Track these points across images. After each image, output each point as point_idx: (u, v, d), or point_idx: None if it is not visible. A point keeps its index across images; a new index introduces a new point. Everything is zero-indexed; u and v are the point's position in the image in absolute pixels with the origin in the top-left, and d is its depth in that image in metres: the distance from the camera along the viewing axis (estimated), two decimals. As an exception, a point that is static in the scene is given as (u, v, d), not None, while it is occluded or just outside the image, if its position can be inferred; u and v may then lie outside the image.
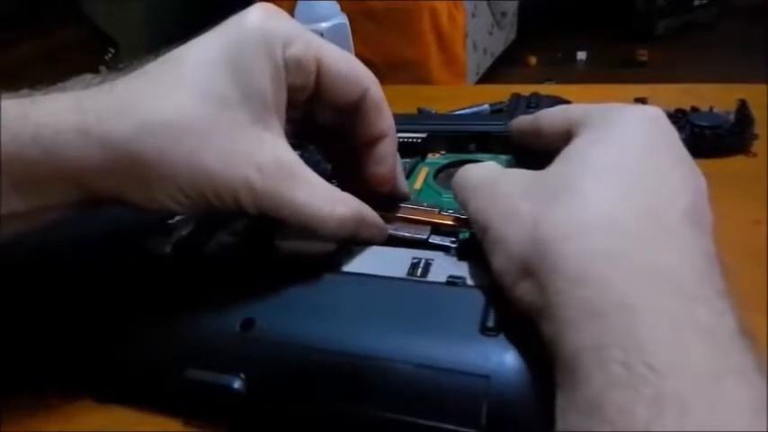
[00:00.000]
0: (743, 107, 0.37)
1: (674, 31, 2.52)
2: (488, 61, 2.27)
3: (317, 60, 0.23)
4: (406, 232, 0.25)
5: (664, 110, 0.21)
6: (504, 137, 0.32)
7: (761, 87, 0.43)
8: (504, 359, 0.18)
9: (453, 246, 0.24)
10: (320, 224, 0.22)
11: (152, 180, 0.20)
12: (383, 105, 0.26)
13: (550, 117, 0.25)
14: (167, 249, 0.27)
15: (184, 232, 0.27)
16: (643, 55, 2.33)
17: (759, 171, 0.35)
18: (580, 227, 0.17)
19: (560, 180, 0.19)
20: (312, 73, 0.23)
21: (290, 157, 0.22)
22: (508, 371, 0.18)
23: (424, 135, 0.35)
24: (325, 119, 0.26)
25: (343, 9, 0.53)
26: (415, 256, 0.24)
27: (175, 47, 0.22)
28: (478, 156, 0.34)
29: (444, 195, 0.30)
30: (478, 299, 0.20)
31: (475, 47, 2.06)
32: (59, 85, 0.21)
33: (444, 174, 0.33)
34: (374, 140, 0.26)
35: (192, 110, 0.20)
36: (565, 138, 0.22)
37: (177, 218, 0.29)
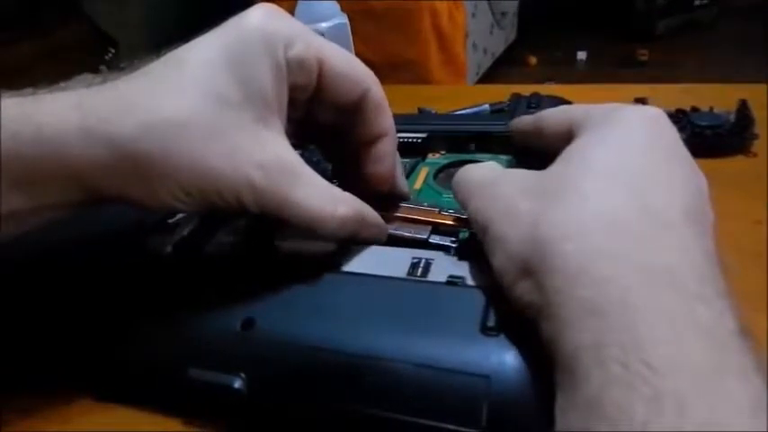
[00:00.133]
0: (743, 107, 0.37)
1: (675, 30, 2.53)
2: (489, 61, 2.27)
3: (319, 60, 0.23)
4: (406, 232, 0.25)
5: (664, 110, 0.21)
6: (504, 137, 0.32)
7: (761, 87, 0.43)
8: (505, 359, 0.18)
9: (453, 245, 0.24)
10: (321, 224, 0.22)
11: (154, 178, 0.20)
12: (383, 105, 0.26)
13: (551, 117, 0.25)
14: (168, 249, 0.27)
15: (185, 232, 0.27)
16: (643, 55, 2.33)
17: (759, 171, 0.35)
18: (580, 226, 0.17)
19: (560, 180, 0.19)
20: (313, 73, 0.23)
21: (292, 156, 0.22)
22: (508, 371, 0.18)
23: (424, 135, 0.35)
24: (326, 118, 0.26)
25: (343, 9, 0.53)
26: (415, 255, 0.24)
27: (177, 47, 0.22)
28: (479, 156, 0.34)
29: (444, 195, 0.30)
30: (479, 299, 0.20)
31: (475, 47, 2.06)
32: (61, 84, 0.21)
33: (444, 174, 0.33)
34: (374, 140, 0.26)
35: (195, 109, 0.20)
36: (565, 138, 0.22)
37: (178, 217, 0.29)
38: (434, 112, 0.46)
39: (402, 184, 0.28)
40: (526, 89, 0.41)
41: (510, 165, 0.32)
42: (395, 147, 0.27)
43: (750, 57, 2.02)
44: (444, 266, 0.23)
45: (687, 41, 2.44)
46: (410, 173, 0.33)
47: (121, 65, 0.22)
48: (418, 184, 0.32)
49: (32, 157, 0.19)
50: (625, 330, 0.14)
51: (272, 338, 0.21)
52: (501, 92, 0.44)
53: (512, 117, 0.31)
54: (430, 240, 0.25)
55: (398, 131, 0.27)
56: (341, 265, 0.24)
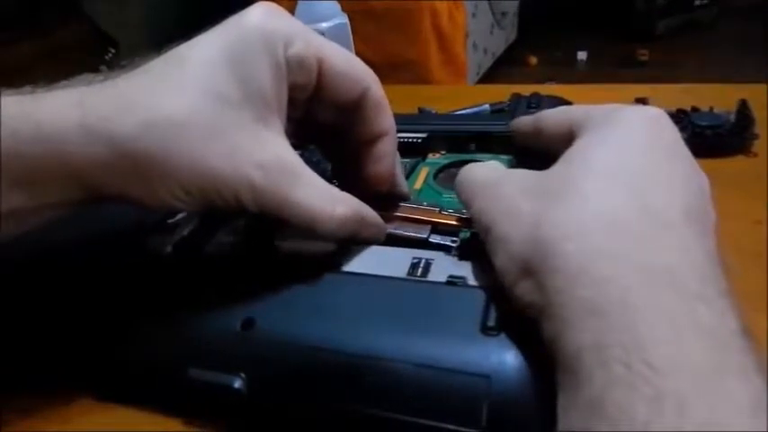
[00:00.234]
0: (743, 107, 0.37)
1: (675, 30, 2.53)
2: (489, 61, 2.27)
3: (318, 59, 0.23)
4: (406, 231, 0.25)
5: (664, 110, 0.21)
6: (504, 137, 0.32)
7: (761, 87, 0.43)
8: (505, 359, 0.18)
9: (453, 245, 0.24)
10: (320, 224, 0.22)
11: (154, 177, 0.20)
12: (384, 104, 0.26)
13: (551, 118, 0.25)
14: (168, 249, 0.27)
15: (185, 232, 0.27)
16: (644, 55, 2.33)
17: (759, 171, 0.35)
18: (581, 226, 0.17)
19: (562, 180, 0.19)
20: (313, 72, 0.23)
21: (291, 156, 0.22)
22: (509, 370, 0.18)
23: (424, 135, 0.35)
24: (326, 117, 0.26)
25: (343, 9, 0.53)
26: (416, 255, 0.24)
27: (177, 45, 0.22)
28: (479, 156, 0.34)
29: (444, 195, 0.30)
30: (479, 298, 0.20)
31: (475, 47, 2.06)
32: (62, 82, 0.21)
33: (445, 174, 0.33)
34: (374, 139, 0.26)
35: (195, 108, 0.20)
36: (566, 139, 0.22)
37: (178, 217, 0.29)
38: (435, 112, 0.46)
39: (402, 183, 0.28)
40: (526, 89, 0.41)
41: (510, 165, 0.32)
42: (395, 146, 0.27)
43: (750, 57, 2.02)
44: (444, 266, 0.23)
45: (687, 41, 2.44)
46: (410, 173, 0.33)
47: (122, 63, 0.22)
48: (418, 184, 0.32)
49: (32, 155, 0.19)
50: (626, 330, 0.14)
51: (272, 338, 0.21)
52: (501, 92, 0.44)
53: (512, 117, 0.31)
54: (430, 240, 0.25)
55: (398, 131, 0.27)
56: (341, 265, 0.24)
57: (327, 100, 0.25)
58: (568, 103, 0.36)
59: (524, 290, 0.18)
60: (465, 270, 0.22)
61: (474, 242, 0.24)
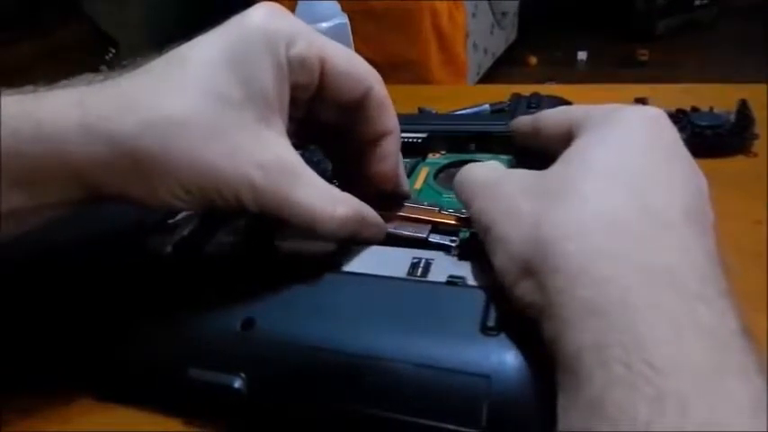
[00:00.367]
0: (743, 107, 0.37)
1: (675, 30, 2.53)
2: (489, 61, 2.27)
3: (321, 59, 0.23)
4: (405, 231, 0.25)
5: (664, 110, 0.21)
6: (504, 137, 0.32)
7: (761, 87, 0.43)
8: (505, 359, 0.18)
9: (453, 245, 0.24)
10: (321, 224, 0.22)
11: (154, 177, 0.20)
12: (387, 103, 0.26)
13: (551, 118, 0.25)
14: (168, 249, 0.27)
15: (185, 232, 0.27)
16: (644, 55, 2.33)
17: (759, 171, 0.35)
18: (581, 226, 0.17)
19: (561, 180, 0.19)
20: (315, 72, 0.23)
21: (292, 156, 0.22)
22: (509, 370, 0.18)
23: (424, 135, 0.35)
24: (328, 117, 0.26)
25: (343, 9, 0.53)
26: (416, 255, 0.24)
27: (178, 45, 0.22)
28: (479, 156, 0.34)
29: (445, 195, 0.30)
30: (479, 298, 0.20)
31: (475, 47, 2.06)
32: (62, 82, 0.21)
33: (445, 174, 0.33)
34: (378, 138, 0.26)
35: (196, 108, 0.20)
36: (565, 139, 0.22)
37: (178, 217, 0.29)
38: (435, 112, 0.46)
39: (404, 182, 0.28)
40: (526, 89, 0.41)
41: (510, 165, 0.32)
42: (398, 145, 0.27)
43: (750, 57, 2.02)
44: (444, 266, 0.23)
45: (687, 41, 2.44)
46: (410, 173, 0.33)
47: (123, 62, 0.22)
48: (418, 184, 0.32)
49: (32, 154, 0.19)
50: (626, 330, 0.14)
51: (272, 338, 0.21)
52: (501, 92, 0.44)
53: (512, 117, 0.31)
54: (429, 239, 0.25)
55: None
56: (341, 265, 0.24)
57: (330, 99, 0.25)
58: (568, 103, 0.36)
59: (524, 290, 0.18)
60: (465, 270, 0.22)
61: (474, 242, 0.24)
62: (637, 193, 0.17)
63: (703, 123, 0.37)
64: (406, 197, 0.28)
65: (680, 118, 0.38)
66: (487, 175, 0.23)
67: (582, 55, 2.49)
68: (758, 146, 0.37)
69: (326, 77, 0.24)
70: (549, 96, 0.39)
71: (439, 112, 0.46)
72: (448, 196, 0.30)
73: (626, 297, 0.15)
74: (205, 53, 0.22)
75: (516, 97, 0.40)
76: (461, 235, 0.25)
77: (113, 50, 1.55)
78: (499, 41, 2.38)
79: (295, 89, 0.23)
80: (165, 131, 0.20)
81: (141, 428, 0.23)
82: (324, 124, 0.26)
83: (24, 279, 0.26)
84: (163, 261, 0.26)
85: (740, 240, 0.28)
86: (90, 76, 0.22)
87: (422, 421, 0.18)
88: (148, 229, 0.28)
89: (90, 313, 0.24)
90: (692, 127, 0.37)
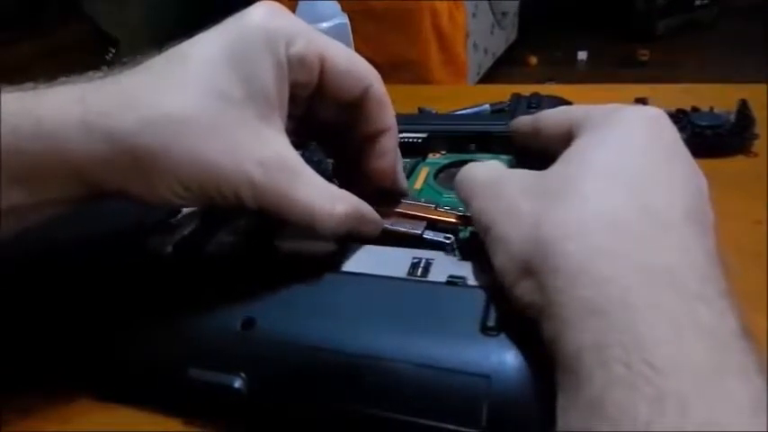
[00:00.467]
0: (743, 107, 0.37)
1: (675, 30, 2.53)
2: (489, 61, 2.27)
3: (320, 57, 0.23)
4: (401, 227, 0.25)
5: (664, 110, 0.21)
6: (504, 137, 0.32)
7: (761, 87, 0.43)
8: (505, 359, 0.18)
9: (448, 242, 0.24)
10: (320, 222, 0.22)
11: (154, 174, 0.20)
12: (385, 100, 0.26)
13: (551, 118, 0.25)
14: (168, 249, 0.27)
15: (185, 232, 0.27)
16: (644, 55, 2.33)
17: (759, 171, 0.35)
18: (581, 226, 0.17)
19: (561, 180, 0.19)
20: (315, 70, 0.23)
21: (292, 154, 0.22)
22: (509, 370, 0.18)
23: (424, 135, 0.35)
24: (328, 115, 0.26)
25: (343, 9, 0.53)
26: (416, 255, 0.24)
27: (179, 43, 0.22)
28: (479, 156, 0.34)
29: (445, 195, 0.30)
30: (479, 298, 0.20)
31: (476, 47, 2.06)
32: (62, 79, 0.21)
33: (445, 174, 0.33)
34: (376, 135, 0.26)
35: (196, 105, 0.20)
36: (565, 139, 0.22)
37: (179, 217, 0.29)
38: (435, 112, 0.46)
39: (402, 180, 0.29)
40: (526, 89, 0.41)
41: (510, 165, 0.32)
42: (396, 142, 0.27)
43: (750, 57, 2.02)
44: (444, 266, 0.23)
45: (687, 41, 2.44)
46: (410, 173, 0.33)
47: (123, 60, 0.22)
48: (419, 184, 0.32)
49: (32, 151, 0.19)
50: (626, 330, 0.14)
51: (273, 338, 0.21)
52: (501, 92, 0.44)
53: (512, 117, 0.31)
54: (424, 236, 0.25)
55: (399, 131, 0.27)
56: (341, 264, 0.24)
57: (329, 97, 0.25)
58: (568, 103, 0.36)
59: (524, 290, 0.18)
60: (465, 270, 0.22)
61: (474, 242, 0.24)
62: (637, 193, 0.17)
63: (703, 123, 0.37)
64: (404, 194, 0.28)
65: (680, 118, 0.38)
66: (488, 174, 0.23)
67: (582, 55, 2.49)
68: (758, 146, 0.37)
69: (326, 76, 0.24)
70: (549, 96, 0.39)
71: (439, 112, 0.46)
72: (448, 196, 0.30)
73: (626, 297, 0.15)
74: (205, 51, 0.22)
75: (516, 97, 0.40)
76: (461, 234, 0.25)
77: (113, 50, 1.55)
78: (499, 41, 2.38)
79: (294, 87, 0.23)
80: (166, 129, 0.20)
81: (141, 428, 0.23)
82: (323, 122, 0.26)
83: (24, 279, 0.26)
84: (163, 261, 0.26)
85: (740, 240, 0.28)
86: (90, 73, 0.22)
87: (422, 421, 0.18)
88: (149, 229, 0.28)
89: (90, 313, 0.24)
90: (692, 127, 0.37)
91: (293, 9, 0.50)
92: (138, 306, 0.24)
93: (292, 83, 0.23)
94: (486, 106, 0.44)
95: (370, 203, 0.24)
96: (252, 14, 0.22)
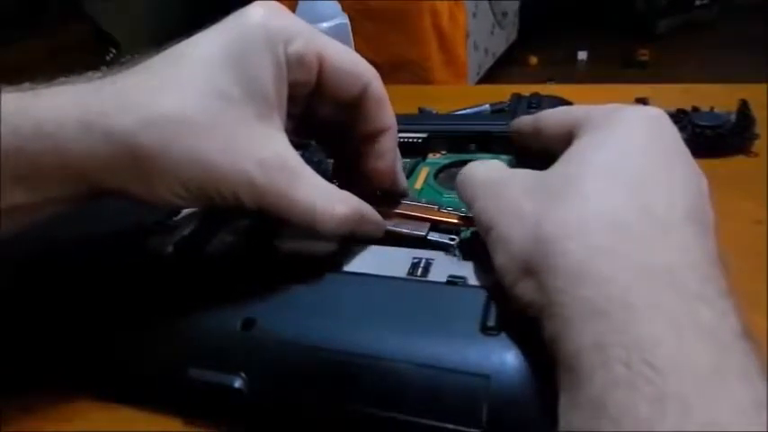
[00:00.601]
0: (744, 107, 0.37)
1: (675, 30, 2.53)
2: (489, 61, 2.27)
3: (319, 56, 0.23)
4: (404, 229, 0.25)
5: (665, 110, 0.21)
6: (504, 137, 0.32)
7: (761, 87, 0.43)
8: (505, 358, 0.18)
9: (452, 243, 0.24)
10: (320, 223, 0.22)
11: (153, 174, 0.20)
12: (384, 100, 0.26)
13: (551, 118, 0.25)
14: (169, 249, 0.27)
15: (186, 232, 0.27)
16: (644, 55, 2.33)
17: (760, 171, 0.34)
18: (581, 225, 0.17)
19: (562, 180, 0.19)
20: (314, 69, 0.23)
21: (291, 154, 0.22)
22: (509, 370, 0.18)
23: (424, 135, 0.35)
24: (326, 114, 0.26)
25: (343, 9, 0.53)
26: (416, 255, 0.24)
27: (178, 42, 0.22)
28: (479, 156, 0.34)
29: (445, 195, 0.30)
30: (479, 298, 0.20)
31: (476, 47, 2.06)
32: (61, 79, 0.21)
33: (445, 174, 0.33)
34: (375, 135, 0.26)
35: (195, 105, 0.20)
36: (565, 139, 0.22)
37: (179, 217, 0.29)
38: (435, 112, 0.46)
39: (402, 180, 0.28)
40: (527, 89, 0.41)
41: (510, 165, 0.32)
42: (396, 142, 0.27)
43: (750, 57, 2.02)
44: (445, 266, 0.23)
45: (687, 41, 2.44)
46: (411, 173, 0.33)
47: (122, 60, 0.22)
48: (419, 184, 0.32)
49: (32, 151, 0.19)
50: (626, 330, 0.14)
51: (273, 338, 0.21)
52: (502, 92, 0.44)
53: (512, 117, 0.31)
54: (428, 237, 0.25)
55: (399, 131, 0.27)
56: (341, 264, 0.24)
57: (328, 96, 0.25)
58: (569, 103, 0.36)
59: (525, 289, 0.18)
60: (465, 270, 0.22)
61: (474, 242, 0.24)
62: (637, 193, 0.17)
63: (704, 123, 0.37)
64: (403, 195, 0.28)
65: (680, 118, 0.38)
66: (489, 174, 0.23)
67: (582, 55, 2.49)
68: (758, 146, 0.37)
69: (325, 74, 0.24)
70: (549, 96, 0.39)
71: (439, 112, 0.46)
72: (448, 196, 0.30)
73: (626, 297, 0.15)
74: (204, 50, 0.22)
75: (516, 97, 0.40)
76: (462, 234, 0.25)
77: (114, 50, 1.55)
78: (499, 41, 2.37)
79: (293, 86, 0.23)
80: (164, 129, 0.20)
81: (141, 428, 0.23)
82: (322, 121, 0.26)
83: (24, 278, 0.26)
84: (163, 261, 0.26)
85: (740, 240, 0.28)
86: (89, 74, 0.22)
87: (422, 421, 0.18)
88: (149, 229, 0.28)
89: (90, 313, 0.24)
90: (692, 127, 0.37)
91: (293, 9, 0.50)
92: (138, 306, 0.24)
93: (291, 82, 0.23)
94: (486, 106, 0.44)
95: (371, 204, 0.24)
96: (251, 14, 0.22)
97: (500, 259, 0.19)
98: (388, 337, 0.20)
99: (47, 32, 1.41)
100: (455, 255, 0.24)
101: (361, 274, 0.23)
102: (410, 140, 0.35)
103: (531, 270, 0.17)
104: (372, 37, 0.90)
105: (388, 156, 0.26)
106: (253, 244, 0.26)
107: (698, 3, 2.54)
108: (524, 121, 0.28)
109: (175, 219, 0.29)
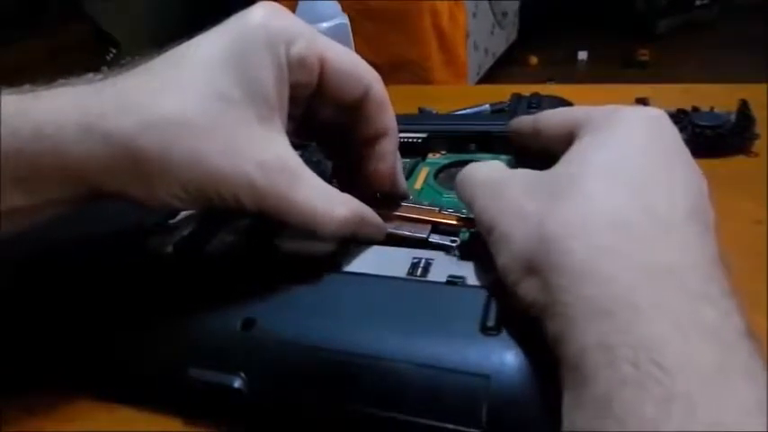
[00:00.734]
0: (744, 107, 0.37)
1: (675, 30, 2.53)
2: (489, 61, 2.27)
3: (320, 58, 0.23)
4: (406, 231, 0.25)
5: (665, 110, 0.21)
6: (504, 137, 0.32)
7: (761, 87, 0.43)
8: (505, 358, 0.18)
9: (453, 245, 0.24)
10: (321, 225, 0.22)
11: (153, 176, 0.20)
12: (385, 103, 0.26)
13: (551, 119, 0.25)
14: (169, 249, 0.27)
15: (186, 232, 0.27)
16: (644, 55, 2.33)
17: (760, 171, 0.34)
18: (584, 224, 0.17)
19: (564, 179, 0.19)
20: (315, 71, 0.23)
21: (292, 156, 0.22)
22: (509, 370, 0.18)
23: (424, 135, 0.35)
24: (327, 116, 0.26)
25: (343, 9, 0.53)
26: (416, 255, 0.24)
27: (178, 44, 0.22)
28: (479, 156, 0.34)
29: (445, 195, 0.30)
30: (479, 298, 0.20)
31: (476, 47, 2.06)
32: (61, 81, 0.21)
33: (445, 174, 0.33)
34: (376, 137, 0.26)
35: (195, 107, 0.20)
36: (566, 140, 0.22)
37: (179, 217, 0.29)
38: (435, 112, 0.46)
39: (402, 182, 0.28)
40: (527, 89, 0.41)
41: (510, 165, 0.32)
42: (396, 145, 0.27)
43: (750, 57, 2.02)
44: (444, 266, 0.23)
45: (687, 41, 2.44)
46: (410, 173, 0.33)
47: (122, 62, 0.22)
48: (419, 184, 0.32)
49: (32, 153, 0.19)
50: (631, 330, 0.14)
51: (273, 338, 0.21)
52: (502, 92, 0.44)
53: (512, 117, 0.31)
54: (430, 239, 0.25)
55: (399, 131, 0.27)
56: (341, 265, 0.24)
57: (329, 98, 0.25)
58: (569, 103, 0.36)
59: (528, 288, 0.18)
60: (465, 270, 0.22)
61: (474, 242, 0.24)
62: (639, 193, 0.17)
63: (704, 123, 0.37)
64: (404, 197, 0.28)
65: (681, 118, 0.38)
66: (490, 174, 0.23)
67: (582, 55, 2.49)
68: (758, 146, 0.37)
69: (326, 76, 0.24)
70: (549, 96, 0.39)
71: (439, 112, 0.46)
72: (448, 196, 0.30)
73: (630, 296, 0.15)
74: (205, 52, 0.22)
75: (516, 97, 0.40)
76: (462, 235, 0.25)
77: (114, 51, 1.55)
78: (499, 41, 2.37)
79: (295, 88, 0.23)
80: (164, 131, 0.20)
81: (141, 428, 0.23)
82: (323, 123, 0.26)
83: (24, 279, 0.26)
84: (163, 261, 0.26)
85: (740, 240, 0.28)
86: (89, 75, 0.22)
87: (422, 421, 0.18)
88: (149, 229, 0.28)
89: (90, 313, 0.24)
90: (692, 127, 0.37)
91: (293, 9, 0.50)
92: (138, 306, 0.24)
93: (292, 84, 0.23)
94: (486, 106, 0.44)
95: (371, 206, 0.24)
96: (252, 15, 0.22)
97: (502, 258, 0.19)
98: (388, 337, 0.20)
99: (47, 32, 1.41)
100: (455, 255, 0.24)
101: (360, 274, 0.23)
102: (410, 140, 0.35)
103: (534, 269, 0.17)
104: (372, 37, 0.90)
105: (388, 158, 0.26)
106: (253, 244, 0.26)
107: (698, 3, 2.54)
108: (523, 121, 0.28)
109: (175, 219, 0.29)
